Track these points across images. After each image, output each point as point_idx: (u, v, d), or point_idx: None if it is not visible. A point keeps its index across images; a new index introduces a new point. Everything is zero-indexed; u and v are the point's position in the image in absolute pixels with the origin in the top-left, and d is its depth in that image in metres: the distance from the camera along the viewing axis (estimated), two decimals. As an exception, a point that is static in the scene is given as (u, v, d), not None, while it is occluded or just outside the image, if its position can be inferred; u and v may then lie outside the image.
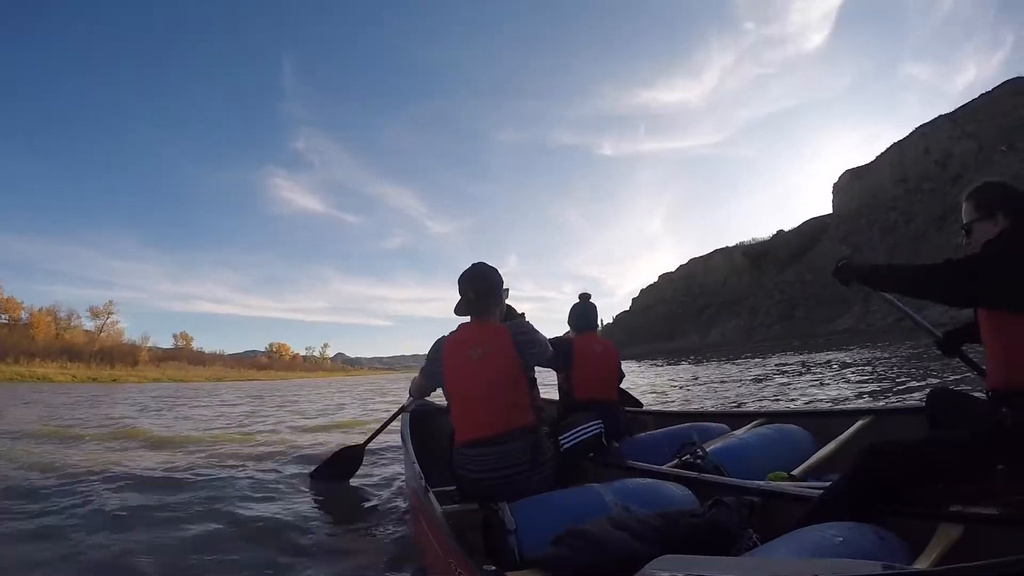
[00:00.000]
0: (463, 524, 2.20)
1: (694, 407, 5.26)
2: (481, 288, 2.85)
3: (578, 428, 3.03)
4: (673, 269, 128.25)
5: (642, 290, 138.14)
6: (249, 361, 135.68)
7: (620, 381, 4.32)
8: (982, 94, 47.70)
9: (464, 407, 2.74)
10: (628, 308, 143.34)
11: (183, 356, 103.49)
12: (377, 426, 4.68)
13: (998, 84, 46.32)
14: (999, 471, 1.85)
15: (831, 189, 75.43)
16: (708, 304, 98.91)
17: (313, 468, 4.87)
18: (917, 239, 45.64)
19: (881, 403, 3.82)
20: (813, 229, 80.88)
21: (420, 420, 4.30)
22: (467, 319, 2.92)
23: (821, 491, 2.09)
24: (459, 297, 2.90)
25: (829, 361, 18.17)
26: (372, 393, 24.98)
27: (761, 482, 2.43)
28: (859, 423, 3.48)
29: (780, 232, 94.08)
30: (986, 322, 2.08)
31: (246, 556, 3.32)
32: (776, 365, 19.48)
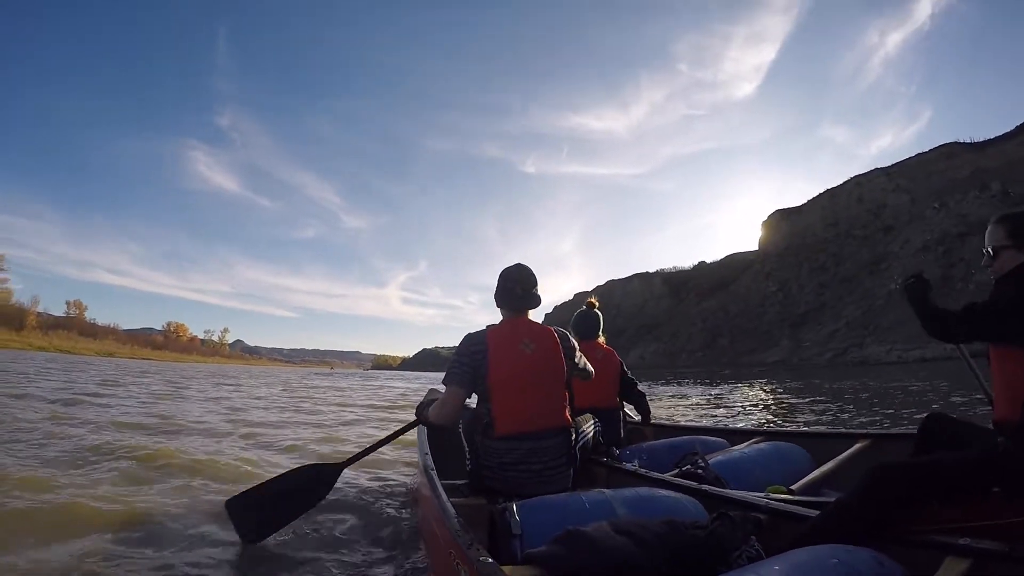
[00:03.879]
0: (470, 518, 2.20)
1: (693, 422, 5.65)
2: (532, 286, 2.96)
3: (582, 431, 3.11)
4: (588, 289, 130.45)
5: (556, 306, 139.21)
6: (144, 338, 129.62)
7: (629, 387, 4.36)
8: (918, 153, 51.30)
9: (511, 399, 2.75)
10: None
11: (74, 326, 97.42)
12: (367, 445, 3.67)
13: (935, 146, 49.90)
14: (994, 494, 1.90)
15: (758, 227, 78.85)
16: (626, 327, 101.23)
17: (255, 486, 3.31)
18: (847, 281, 48.25)
19: (878, 429, 4.06)
20: (736, 263, 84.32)
21: None
22: (480, 323, 3.01)
23: (821, 508, 2.12)
24: (497, 289, 3.00)
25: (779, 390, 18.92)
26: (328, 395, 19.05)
27: (767, 496, 2.45)
28: (858, 445, 3.58)
29: (702, 263, 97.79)
30: (996, 357, 2.17)
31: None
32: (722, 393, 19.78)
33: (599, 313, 4.38)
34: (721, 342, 64.50)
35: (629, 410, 4.48)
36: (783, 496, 2.48)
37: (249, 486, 3.29)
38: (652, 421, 4.60)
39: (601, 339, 4.35)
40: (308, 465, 3.43)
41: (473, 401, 2.92)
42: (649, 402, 4.46)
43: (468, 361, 2.78)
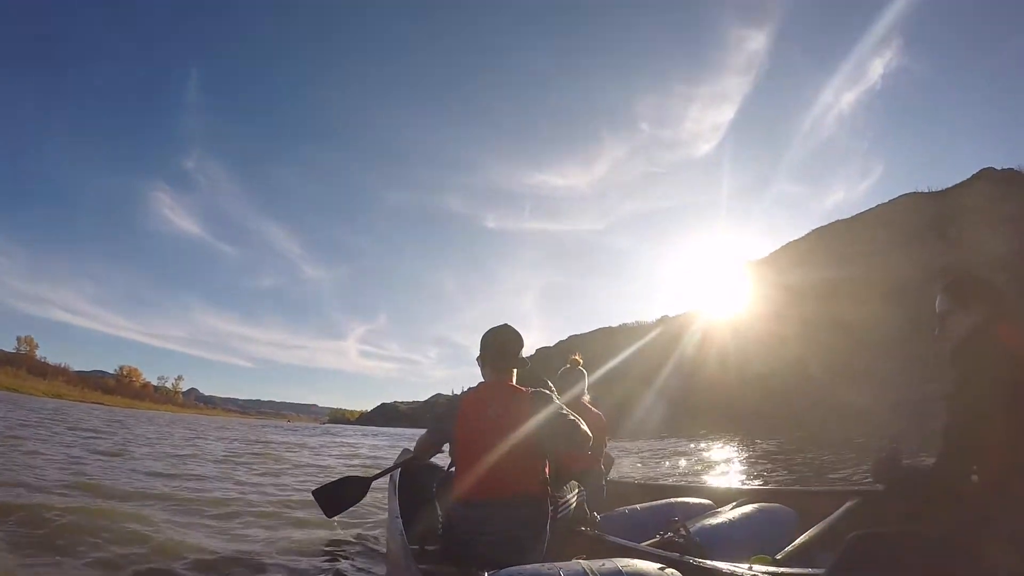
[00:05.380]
0: None
1: (677, 482, 5.86)
2: (511, 350, 3.00)
3: (564, 500, 3.19)
4: (551, 344, 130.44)
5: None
6: (95, 381, 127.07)
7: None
8: (878, 204, 52.79)
9: (472, 464, 2.74)
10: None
11: (24, 363, 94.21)
12: (382, 468, 4.04)
13: (894, 197, 51.40)
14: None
15: (721, 280, 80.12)
16: (590, 382, 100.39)
17: (316, 487, 3.98)
18: (814, 331, 48.49)
19: (869, 484, 3.89)
20: (699, 317, 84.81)
21: (409, 473, 4.22)
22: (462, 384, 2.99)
23: None
24: (479, 352, 3.07)
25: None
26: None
27: (747, 567, 2.37)
28: (847, 504, 3.43)
29: (665, 317, 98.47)
30: None
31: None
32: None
33: (583, 371, 4.29)
34: (688, 396, 64.05)
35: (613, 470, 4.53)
36: (768, 569, 2.40)
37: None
38: (635, 480, 4.79)
39: (586, 398, 4.27)
40: (352, 476, 3.89)
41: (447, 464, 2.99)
42: (627, 459, 4.61)
43: (439, 425, 2.94)
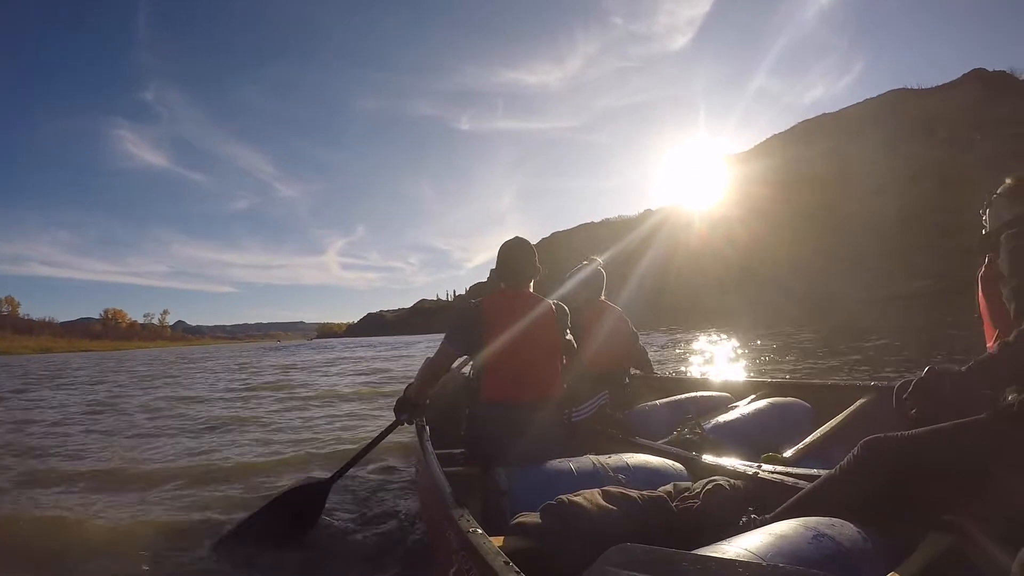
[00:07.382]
0: (464, 487, 2.29)
1: (698, 376, 6.10)
2: (530, 261, 3.09)
3: (586, 403, 3.43)
4: (533, 243, 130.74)
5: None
6: (82, 329, 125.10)
7: (634, 344, 4.48)
8: (867, 99, 52.32)
9: (503, 368, 2.84)
10: (486, 280, 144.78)
11: (7, 324, 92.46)
12: (356, 450, 3.59)
13: (883, 92, 50.95)
14: (993, 475, 1.68)
15: (701, 175, 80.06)
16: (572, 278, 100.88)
17: (237, 523, 3.36)
18: (801, 223, 48.85)
19: (885, 381, 3.74)
20: (681, 211, 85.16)
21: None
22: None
23: (813, 480, 2.04)
24: (496, 264, 3.15)
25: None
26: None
27: (755, 466, 2.43)
28: (861, 400, 3.43)
29: (647, 211, 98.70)
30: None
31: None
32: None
33: (603, 271, 4.32)
34: (670, 291, 64.94)
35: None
36: (776, 468, 2.44)
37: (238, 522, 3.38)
38: (657, 375, 4.87)
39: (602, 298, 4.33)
40: (292, 488, 3.48)
41: (468, 371, 3.09)
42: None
43: (463, 335, 2.93)
